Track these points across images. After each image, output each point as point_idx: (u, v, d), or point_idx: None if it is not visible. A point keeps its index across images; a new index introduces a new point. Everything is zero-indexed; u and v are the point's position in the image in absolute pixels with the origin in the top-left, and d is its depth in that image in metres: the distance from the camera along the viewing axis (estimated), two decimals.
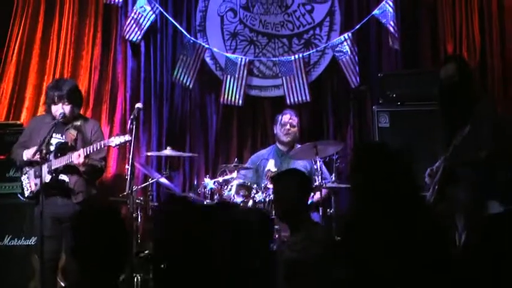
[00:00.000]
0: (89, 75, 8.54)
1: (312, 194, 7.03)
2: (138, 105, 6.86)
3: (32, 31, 8.63)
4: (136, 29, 8.44)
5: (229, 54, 8.47)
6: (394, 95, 7.62)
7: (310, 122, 8.32)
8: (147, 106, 8.40)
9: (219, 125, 8.59)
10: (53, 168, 6.54)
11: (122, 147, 8.10)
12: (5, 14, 8.66)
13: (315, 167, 7.12)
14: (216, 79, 8.57)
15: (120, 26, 8.64)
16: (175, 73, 8.41)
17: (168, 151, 7.39)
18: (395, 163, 3.73)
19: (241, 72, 8.36)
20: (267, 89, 8.53)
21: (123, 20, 8.63)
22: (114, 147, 6.80)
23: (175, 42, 8.67)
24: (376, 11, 8.10)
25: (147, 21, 8.45)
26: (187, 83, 8.39)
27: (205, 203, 7.08)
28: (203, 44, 8.48)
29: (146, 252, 7.12)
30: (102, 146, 6.61)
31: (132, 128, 6.50)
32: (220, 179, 7.14)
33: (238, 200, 6.94)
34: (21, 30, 8.61)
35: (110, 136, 7.38)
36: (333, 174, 7.29)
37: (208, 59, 8.58)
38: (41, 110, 8.33)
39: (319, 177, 6.99)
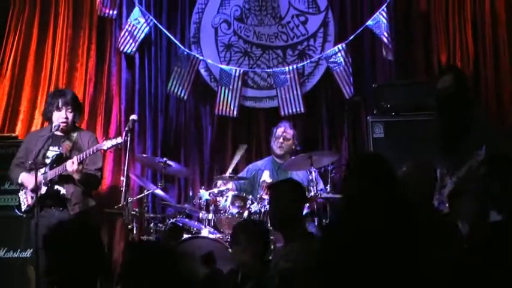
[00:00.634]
0: (84, 88, 8.55)
1: (307, 204, 7.04)
2: (133, 117, 6.87)
3: (26, 44, 8.64)
4: (130, 41, 8.45)
5: (223, 66, 8.48)
6: (388, 106, 7.63)
7: (304, 132, 8.32)
8: (142, 118, 8.41)
9: (214, 137, 8.59)
10: (48, 179, 6.55)
11: (117, 158, 8.15)
12: None
13: (310, 177, 7.12)
14: (211, 91, 8.58)
15: (114, 38, 8.65)
16: (169, 85, 8.42)
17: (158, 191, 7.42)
18: (388, 173, 3.75)
19: (235, 83, 8.37)
20: (261, 100, 8.54)
21: (117, 32, 8.64)
22: (106, 150, 6.78)
23: (169, 54, 8.69)
24: (369, 22, 8.12)
25: (141, 33, 8.47)
26: (182, 95, 8.39)
27: (200, 214, 7.10)
28: (197, 55, 8.48)
29: None
30: (95, 151, 6.61)
31: (127, 139, 6.51)
32: (216, 190, 7.14)
33: (234, 210, 6.94)
34: (15, 43, 8.63)
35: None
36: (328, 185, 7.30)
37: (202, 71, 8.59)
38: (36, 123, 8.35)
39: (314, 187, 7.00)
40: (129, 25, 8.45)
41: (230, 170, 7.49)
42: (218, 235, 6.87)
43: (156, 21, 8.54)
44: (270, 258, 5.38)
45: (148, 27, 8.49)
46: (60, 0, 8.74)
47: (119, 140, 6.50)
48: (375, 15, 8.10)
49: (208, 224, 6.97)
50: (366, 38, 8.36)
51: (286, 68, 8.36)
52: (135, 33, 8.46)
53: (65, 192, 6.64)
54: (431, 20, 8.26)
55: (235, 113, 8.39)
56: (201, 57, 8.49)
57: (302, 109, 8.27)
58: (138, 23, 8.46)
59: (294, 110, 8.28)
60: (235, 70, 8.42)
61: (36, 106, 8.46)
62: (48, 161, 6.65)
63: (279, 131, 7.79)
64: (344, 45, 8.22)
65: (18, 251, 7.38)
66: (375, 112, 7.72)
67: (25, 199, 6.68)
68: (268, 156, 8.00)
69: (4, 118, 8.47)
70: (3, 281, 7.38)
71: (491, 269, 3.14)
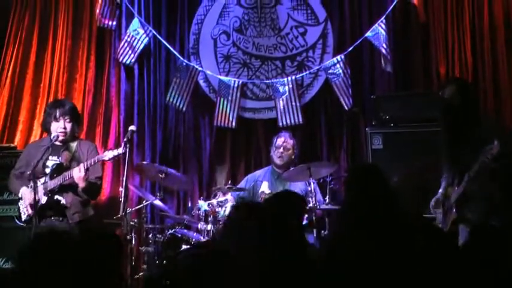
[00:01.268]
0: (83, 98, 8.56)
1: (306, 215, 7.04)
2: (132, 127, 6.86)
3: (25, 54, 8.65)
4: (129, 52, 8.47)
5: (222, 77, 8.48)
6: (387, 117, 7.63)
7: (303, 143, 8.31)
8: (141, 129, 8.42)
9: (213, 148, 8.59)
10: (48, 189, 6.55)
11: (116, 169, 8.15)
12: None
13: (309, 188, 7.12)
14: (210, 102, 8.58)
15: (113, 49, 8.67)
16: (168, 96, 8.42)
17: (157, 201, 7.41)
18: (385, 185, 3.76)
19: (234, 94, 8.38)
20: (260, 111, 8.54)
21: (116, 43, 8.66)
22: (107, 161, 6.79)
23: (168, 65, 8.69)
24: (368, 34, 8.14)
25: (141, 44, 8.48)
26: (181, 106, 8.39)
27: (199, 225, 7.09)
28: (196, 66, 8.49)
29: (140, 274, 7.14)
30: (96, 161, 6.62)
31: (126, 150, 6.51)
32: (214, 201, 7.13)
33: None
34: (14, 54, 8.64)
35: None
36: (327, 196, 7.30)
37: (201, 82, 8.60)
38: (35, 134, 8.35)
39: (313, 198, 6.99)
40: (129, 36, 8.47)
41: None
42: None
43: (155, 32, 8.56)
44: None
45: (147, 38, 8.50)
46: (60, 11, 8.76)
47: (120, 150, 6.50)
48: (374, 26, 8.12)
49: (207, 235, 6.97)
50: (364, 50, 8.37)
51: (285, 79, 8.37)
52: (134, 44, 8.47)
53: (64, 202, 6.64)
54: (430, 32, 8.27)
55: (233, 124, 8.39)
56: (200, 68, 8.50)
57: (301, 120, 8.27)
58: (137, 34, 8.48)
59: (293, 121, 8.27)
60: (234, 81, 8.43)
61: (35, 116, 8.47)
62: (47, 170, 6.65)
63: (279, 140, 7.78)
64: (343, 57, 8.23)
65: None
66: (373, 123, 7.73)
67: (25, 209, 6.67)
68: (268, 166, 7.99)
69: (3, 128, 8.48)
70: None
71: (486, 275, 3.15)
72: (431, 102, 7.31)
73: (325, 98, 8.47)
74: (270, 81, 8.48)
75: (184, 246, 6.92)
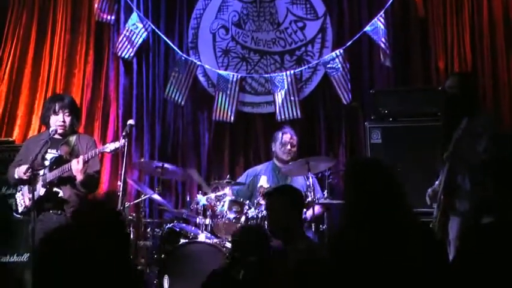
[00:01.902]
0: (81, 93, 8.55)
1: (305, 210, 7.04)
2: (130, 121, 6.85)
3: (24, 49, 8.64)
4: (128, 46, 8.46)
5: (221, 71, 8.48)
6: (386, 111, 7.63)
7: (302, 138, 8.30)
8: (140, 123, 8.42)
9: (211, 142, 8.58)
10: (47, 181, 6.54)
11: (114, 163, 8.14)
12: None
13: (308, 183, 7.11)
14: (209, 96, 8.58)
15: (112, 44, 8.67)
16: (167, 90, 8.42)
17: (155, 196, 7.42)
18: (386, 178, 3.74)
19: (233, 89, 8.37)
20: (259, 105, 8.54)
21: (115, 37, 8.66)
22: (109, 153, 6.78)
23: (167, 59, 8.69)
24: (367, 28, 8.14)
25: (139, 38, 8.48)
26: (179, 100, 8.39)
27: (197, 219, 7.08)
28: (195, 61, 8.49)
29: (139, 268, 7.13)
30: (98, 153, 6.62)
31: (125, 144, 6.50)
32: (213, 195, 7.12)
33: (231, 216, 6.92)
34: (13, 49, 8.62)
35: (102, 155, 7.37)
36: (326, 191, 7.29)
37: (200, 76, 8.60)
38: (33, 128, 8.34)
39: (312, 193, 6.99)
40: (127, 30, 8.47)
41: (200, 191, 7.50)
42: (215, 240, 6.86)
43: (154, 27, 8.55)
44: None
45: (146, 33, 8.50)
46: (58, 5, 8.76)
47: (122, 142, 6.49)
48: (373, 21, 8.12)
49: (205, 229, 6.96)
50: (363, 44, 8.37)
51: (284, 74, 8.36)
52: (132, 38, 8.47)
53: (62, 195, 6.63)
54: (429, 27, 8.28)
55: (232, 118, 8.38)
56: (198, 63, 8.50)
57: (299, 114, 8.27)
58: (136, 28, 8.47)
59: (291, 116, 8.27)
60: (233, 75, 8.42)
61: (34, 111, 8.46)
62: (47, 163, 6.64)
63: (286, 137, 7.76)
64: (342, 51, 8.23)
65: (15, 255, 7.35)
66: (372, 118, 7.72)
67: (22, 200, 6.65)
68: (269, 161, 7.98)
69: (1, 123, 8.47)
70: (0, 285, 7.34)
71: (481, 272, 3.14)
72: (430, 97, 7.31)
73: (324, 92, 8.48)
74: (268, 75, 8.47)
75: (182, 241, 6.92)
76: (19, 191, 6.70)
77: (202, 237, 6.84)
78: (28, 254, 7.04)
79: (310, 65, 8.46)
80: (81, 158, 6.46)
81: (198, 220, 7.05)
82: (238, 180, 7.68)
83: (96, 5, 8.49)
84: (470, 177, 5.65)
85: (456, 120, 5.90)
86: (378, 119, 7.67)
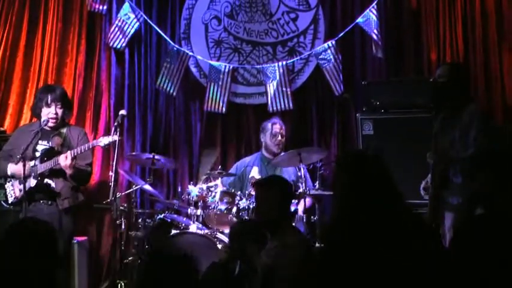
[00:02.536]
0: (73, 83, 8.52)
1: (296, 201, 7.06)
2: (122, 112, 6.85)
3: (15, 38, 8.59)
4: (120, 37, 8.44)
5: (213, 62, 8.46)
6: (378, 103, 7.63)
7: (294, 129, 8.32)
8: (131, 113, 8.40)
9: (203, 133, 8.57)
10: (38, 172, 6.54)
11: (106, 154, 8.13)
12: None
13: (299, 174, 7.12)
14: (201, 87, 8.56)
15: (104, 34, 8.63)
16: (159, 80, 8.40)
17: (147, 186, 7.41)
18: (375, 169, 3.75)
19: (224, 79, 8.36)
20: (251, 96, 8.54)
21: (107, 27, 8.62)
22: (102, 147, 6.79)
23: (159, 49, 8.67)
24: (359, 19, 8.13)
25: (131, 28, 8.45)
26: (171, 91, 8.37)
27: (189, 210, 7.09)
28: (187, 51, 8.47)
29: (130, 259, 7.14)
30: (90, 147, 6.63)
31: (116, 134, 6.50)
32: (204, 186, 7.12)
33: (222, 207, 6.93)
34: (4, 38, 8.57)
35: None
36: (317, 182, 7.30)
37: (192, 67, 8.58)
38: (24, 118, 8.31)
39: (303, 184, 7.00)
40: (119, 20, 8.44)
41: (202, 177, 7.50)
42: (206, 231, 6.88)
43: (146, 17, 8.52)
44: None
45: (138, 23, 8.47)
46: None
47: (116, 137, 6.50)
48: (365, 12, 8.11)
49: (197, 220, 6.98)
50: (356, 35, 8.36)
51: (276, 65, 8.35)
52: (125, 28, 8.44)
53: (54, 186, 6.63)
54: (421, 18, 8.27)
55: (224, 109, 8.37)
56: (190, 53, 8.48)
57: (291, 106, 8.26)
58: (128, 19, 8.44)
59: (283, 107, 8.26)
60: (225, 66, 8.41)
61: (25, 100, 8.43)
62: (37, 154, 6.64)
63: (276, 127, 7.77)
64: (334, 42, 8.22)
65: None
66: (364, 109, 7.72)
67: (12, 191, 6.66)
68: (257, 152, 7.99)
69: None
70: None
71: (474, 264, 3.15)
72: (422, 88, 7.31)
73: (316, 83, 8.47)
74: (260, 66, 8.46)
75: (173, 231, 6.93)
76: (9, 182, 6.70)
77: (193, 227, 6.85)
78: None
79: (302, 56, 8.45)
80: (69, 153, 6.47)
81: (189, 211, 7.07)
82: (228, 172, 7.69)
83: None
84: (461, 170, 5.66)
85: (445, 110, 5.92)
86: (369, 111, 7.68)
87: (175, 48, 8.43)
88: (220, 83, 8.35)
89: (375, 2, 8.10)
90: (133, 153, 8.25)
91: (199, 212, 6.99)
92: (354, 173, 3.76)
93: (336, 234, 3.65)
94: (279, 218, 5.14)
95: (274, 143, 7.76)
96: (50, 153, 6.64)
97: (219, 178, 7.30)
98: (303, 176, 7.05)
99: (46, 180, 6.62)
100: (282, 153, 7.54)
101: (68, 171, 6.57)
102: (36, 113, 6.93)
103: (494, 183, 4.11)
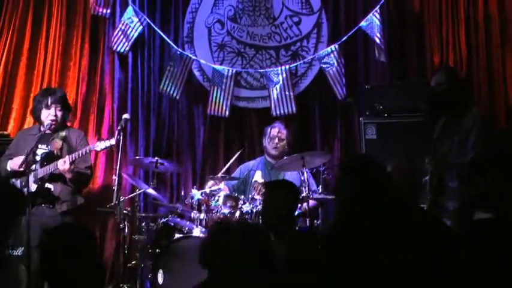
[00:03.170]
0: (77, 86, 8.54)
1: (299, 205, 7.05)
2: (125, 116, 6.87)
3: (19, 42, 8.60)
4: (123, 40, 8.44)
5: (216, 66, 8.47)
6: (381, 107, 7.63)
7: (297, 133, 8.32)
8: (135, 117, 8.41)
9: (207, 136, 8.58)
10: (38, 177, 6.55)
11: (109, 157, 8.14)
12: None
13: (302, 178, 7.12)
14: (204, 90, 8.57)
15: (107, 37, 8.64)
16: (162, 84, 8.41)
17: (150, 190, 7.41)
18: (378, 173, 3.76)
19: (227, 83, 8.37)
20: (254, 100, 8.54)
21: (110, 31, 8.63)
22: (99, 151, 6.81)
23: (162, 53, 8.68)
24: (362, 23, 8.13)
25: (135, 32, 8.46)
26: (174, 94, 8.38)
27: (192, 214, 7.08)
28: (190, 55, 8.48)
29: (133, 262, 7.14)
30: (88, 151, 6.64)
31: (119, 138, 6.51)
32: (208, 190, 7.12)
33: (226, 210, 6.93)
34: (8, 41, 8.58)
35: None
36: (320, 186, 7.30)
37: (195, 71, 8.59)
38: (28, 121, 8.32)
39: (306, 188, 6.99)
40: (123, 24, 8.45)
41: (223, 170, 7.52)
42: None
43: (149, 21, 8.53)
44: None
45: (141, 27, 8.48)
46: None
47: (112, 141, 6.51)
48: (368, 16, 8.11)
49: (200, 224, 6.96)
50: (359, 39, 8.37)
51: (279, 69, 8.36)
52: (128, 32, 8.45)
53: (53, 190, 6.65)
54: (424, 22, 8.27)
55: (227, 113, 8.39)
56: (194, 57, 8.49)
57: (294, 110, 8.27)
58: (131, 22, 8.45)
59: (286, 111, 8.27)
60: (228, 70, 8.41)
61: (29, 104, 8.41)
62: (38, 158, 6.65)
63: (274, 131, 7.79)
64: (337, 46, 8.22)
65: (9, 249, 7.33)
66: (367, 113, 7.72)
67: None
68: (260, 157, 8.00)
69: None
70: None
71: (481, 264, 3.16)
72: (425, 92, 7.30)
73: (319, 87, 8.47)
74: (264, 70, 8.46)
75: (177, 235, 6.93)
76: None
77: (196, 231, 6.84)
78: (22, 248, 7.03)
79: (306, 60, 8.46)
80: (67, 158, 6.48)
81: (192, 215, 7.06)
82: (232, 175, 7.69)
83: None
84: (457, 175, 5.65)
85: (445, 115, 5.92)
86: (372, 115, 7.68)
87: (178, 52, 8.44)
88: (223, 86, 8.36)
89: (378, 5, 8.10)
90: (137, 157, 8.25)
91: (202, 215, 6.97)
92: (357, 177, 3.76)
93: (339, 238, 3.67)
94: (286, 220, 5.16)
95: (271, 145, 7.77)
96: (49, 158, 6.65)
97: (223, 182, 7.31)
98: (306, 180, 7.04)
99: (46, 184, 6.63)
100: (285, 158, 7.54)
101: (67, 175, 6.59)
102: (36, 115, 6.96)
103: (504, 184, 4.12)
